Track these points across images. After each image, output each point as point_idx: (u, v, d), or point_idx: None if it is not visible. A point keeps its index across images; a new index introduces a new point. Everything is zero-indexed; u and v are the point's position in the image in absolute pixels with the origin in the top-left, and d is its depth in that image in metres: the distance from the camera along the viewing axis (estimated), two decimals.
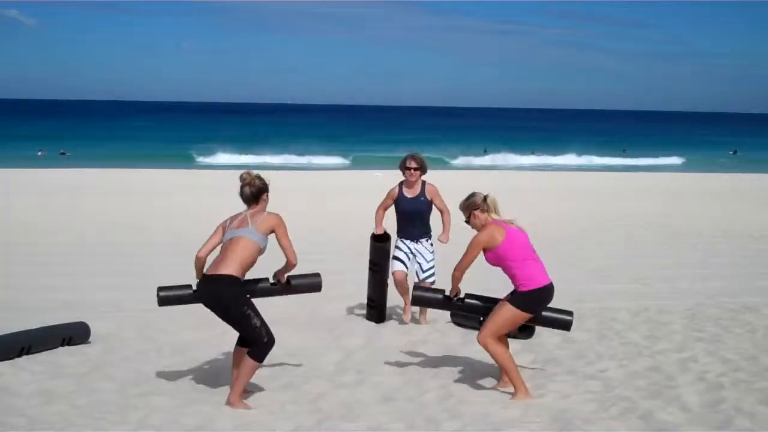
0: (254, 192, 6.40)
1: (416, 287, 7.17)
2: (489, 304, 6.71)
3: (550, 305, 6.63)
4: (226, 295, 6.13)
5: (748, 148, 62.56)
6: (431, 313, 9.30)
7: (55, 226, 17.16)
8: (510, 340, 6.93)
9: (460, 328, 8.86)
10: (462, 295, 6.79)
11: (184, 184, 27.21)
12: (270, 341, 6.22)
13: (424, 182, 8.82)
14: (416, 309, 9.23)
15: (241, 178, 6.45)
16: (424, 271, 8.85)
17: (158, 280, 11.71)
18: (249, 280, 6.47)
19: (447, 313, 9.12)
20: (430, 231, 8.96)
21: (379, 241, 9.04)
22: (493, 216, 6.65)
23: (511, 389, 6.53)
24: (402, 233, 8.93)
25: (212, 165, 40.50)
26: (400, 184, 8.86)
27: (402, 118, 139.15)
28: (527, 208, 17.18)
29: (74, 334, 8.04)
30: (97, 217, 18.89)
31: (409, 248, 8.90)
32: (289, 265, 6.48)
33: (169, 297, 6.53)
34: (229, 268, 6.16)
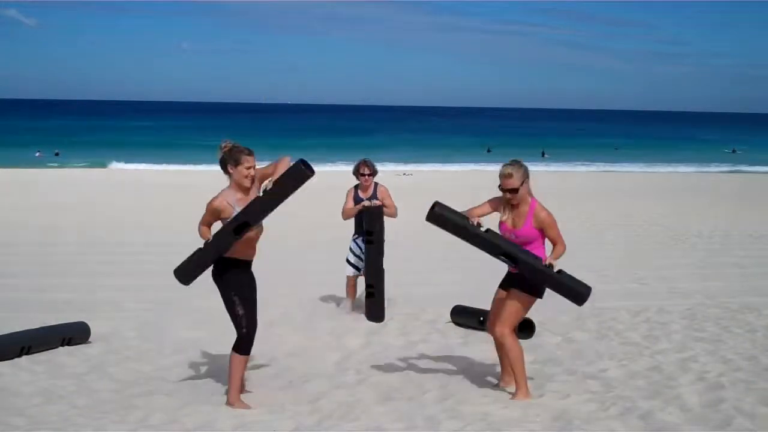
0: (220, 161, 6.20)
1: (439, 204, 6.30)
2: (508, 248, 6.19)
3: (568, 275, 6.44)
4: (216, 276, 6.25)
5: (748, 148, 62.54)
6: (431, 313, 9.33)
7: (55, 226, 17.16)
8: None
9: (460, 328, 8.86)
10: (483, 228, 6.20)
11: (182, 184, 27.24)
12: (248, 332, 6.20)
13: (376, 184, 9.41)
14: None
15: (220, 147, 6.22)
16: None
17: (159, 279, 11.74)
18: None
19: (447, 313, 9.13)
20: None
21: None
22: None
23: (511, 389, 6.52)
24: (357, 232, 9.42)
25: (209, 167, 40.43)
26: (356, 187, 9.43)
27: (404, 117, 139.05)
28: None
29: (74, 334, 8.05)
30: (97, 216, 18.91)
31: (360, 248, 9.29)
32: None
33: None
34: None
